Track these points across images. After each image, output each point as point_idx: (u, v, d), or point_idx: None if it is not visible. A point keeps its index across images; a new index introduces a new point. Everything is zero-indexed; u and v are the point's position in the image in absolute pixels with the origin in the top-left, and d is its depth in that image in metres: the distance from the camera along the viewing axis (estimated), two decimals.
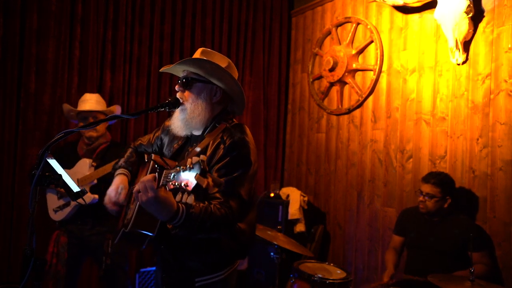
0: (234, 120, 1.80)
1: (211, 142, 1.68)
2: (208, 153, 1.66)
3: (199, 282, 1.70)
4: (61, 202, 2.84)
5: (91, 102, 2.96)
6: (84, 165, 2.84)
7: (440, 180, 2.73)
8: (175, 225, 1.47)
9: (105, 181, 2.62)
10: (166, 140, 1.92)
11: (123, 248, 2.87)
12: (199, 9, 4.20)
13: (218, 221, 1.53)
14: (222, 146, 1.64)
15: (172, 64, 1.77)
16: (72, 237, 2.84)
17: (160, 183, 1.39)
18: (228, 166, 1.61)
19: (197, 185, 1.27)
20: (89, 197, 2.73)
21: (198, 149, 1.70)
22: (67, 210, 2.80)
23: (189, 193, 1.31)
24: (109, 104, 3.81)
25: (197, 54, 1.76)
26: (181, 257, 1.72)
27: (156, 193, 1.38)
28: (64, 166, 2.80)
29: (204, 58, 1.70)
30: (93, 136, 2.89)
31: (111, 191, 1.83)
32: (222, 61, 1.74)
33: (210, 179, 1.29)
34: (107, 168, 2.75)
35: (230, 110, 1.84)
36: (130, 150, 2.03)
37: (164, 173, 1.40)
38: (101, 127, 2.94)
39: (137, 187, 1.44)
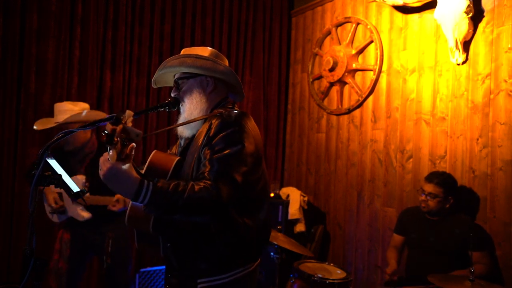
0: (236, 107, 1.75)
1: (205, 128, 1.63)
2: (200, 140, 1.60)
3: (202, 284, 1.61)
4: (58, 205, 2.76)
5: (63, 113, 2.66)
6: (78, 184, 2.62)
7: (443, 180, 2.74)
8: (142, 202, 1.40)
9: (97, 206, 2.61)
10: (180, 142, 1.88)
11: (145, 250, 2.81)
12: (199, 9, 4.20)
13: (197, 201, 1.42)
14: (211, 128, 1.57)
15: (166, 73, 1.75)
16: (75, 233, 2.80)
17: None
18: (215, 146, 1.52)
19: (105, 133, 1.22)
20: (86, 215, 2.69)
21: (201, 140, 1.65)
22: (64, 215, 2.75)
23: (109, 146, 1.26)
24: (109, 104, 3.81)
25: None
26: (182, 254, 1.65)
27: (113, 164, 1.33)
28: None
29: (182, 54, 1.68)
30: (77, 148, 2.69)
31: None
32: (203, 52, 1.71)
33: (120, 126, 1.23)
34: (101, 200, 2.64)
35: (232, 98, 1.79)
36: None
37: None
38: (79, 136, 2.63)
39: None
